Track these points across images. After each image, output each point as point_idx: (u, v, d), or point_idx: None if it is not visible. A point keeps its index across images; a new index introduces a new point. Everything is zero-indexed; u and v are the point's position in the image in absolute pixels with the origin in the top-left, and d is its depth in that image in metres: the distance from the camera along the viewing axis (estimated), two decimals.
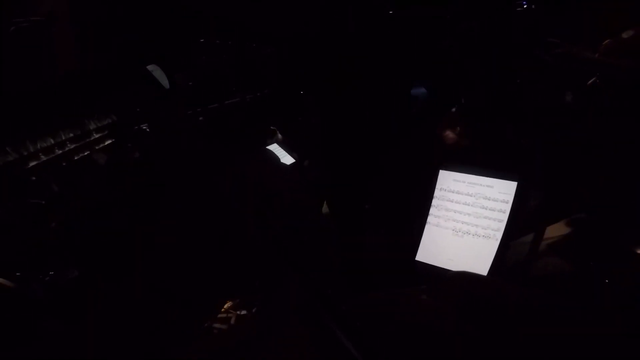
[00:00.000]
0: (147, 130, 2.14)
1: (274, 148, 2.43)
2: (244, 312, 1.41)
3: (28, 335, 1.34)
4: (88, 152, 2.11)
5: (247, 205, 1.12)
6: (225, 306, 1.43)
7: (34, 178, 1.92)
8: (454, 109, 2.12)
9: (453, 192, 1.57)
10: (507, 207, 1.45)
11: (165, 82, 1.75)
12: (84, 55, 1.97)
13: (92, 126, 2.15)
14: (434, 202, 1.58)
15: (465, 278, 0.96)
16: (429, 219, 1.57)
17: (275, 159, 1.49)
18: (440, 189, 1.59)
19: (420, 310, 0.85)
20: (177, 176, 1.44)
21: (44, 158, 2.01)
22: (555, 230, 1.79)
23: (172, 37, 1.93)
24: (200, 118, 1.74)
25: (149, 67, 1.74)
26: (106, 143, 2.14)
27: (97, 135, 2.15)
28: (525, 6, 1.89)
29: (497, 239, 1.43)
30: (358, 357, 0.74)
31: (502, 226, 1.43)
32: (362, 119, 2.01)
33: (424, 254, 1.55)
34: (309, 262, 0.94)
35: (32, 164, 1.95)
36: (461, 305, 0.80)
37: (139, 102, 1.94)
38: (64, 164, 2.05)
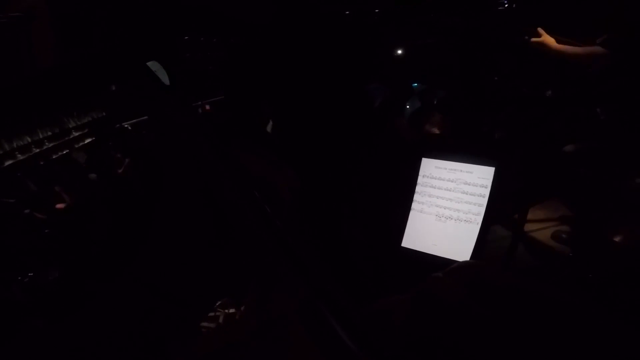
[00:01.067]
0: (129, 128, 2.10)
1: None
2: (232, 310, 1.39)
3: (8, 335, 1.30)
4: (67, 150, 2.06)
5: (248, 200, 1.11)
6: (215, 305, 1.42)
7: (10, 177, 1.87)
8: (435, 102, 2.17)
9: (435, 178, 1.60)
10: (486, 192, 1.50)
11: (165, 78, 1.72)
12: (63, 52, 1.92)
13: (72, 124, 2.09)
14: (418, 188, 1.61)
15: (474, 266, 0.97)
16: (413, 205, 1.60)
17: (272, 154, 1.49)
18: (423, 176, 1.62)
19: (430, 287, 0.84)
20: (176, 172, 1.42)
21: (20, 157, 1.95)
22: (538, 221, 1.86)
23: (156, 33, 1.90)
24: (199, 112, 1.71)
25: (149, 64, 1.71)
26: (86, 142, 2.09)
27: (76, 134, 2.10)
28: (506, 5, 1.95)
29: (477, 223, 1.47)
30: (358, 354, 0.74)
31: (482, 210, 1.48)
32: (324, 119, 2.00)
33: (409, 240, 1.58)
34: (310, 258, 0.93)
35: (8, 162, 1.89)
36: (471, 288, 0.80)
37: (129, 98, 1.90)
38: (41, 162, 1.99)
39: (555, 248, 1.78)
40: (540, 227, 1.90)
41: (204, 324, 1.30)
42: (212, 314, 1.32)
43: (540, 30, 1.81)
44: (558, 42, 1.80)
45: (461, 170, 1.58)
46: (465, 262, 1.04)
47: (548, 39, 1.79)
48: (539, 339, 0.71)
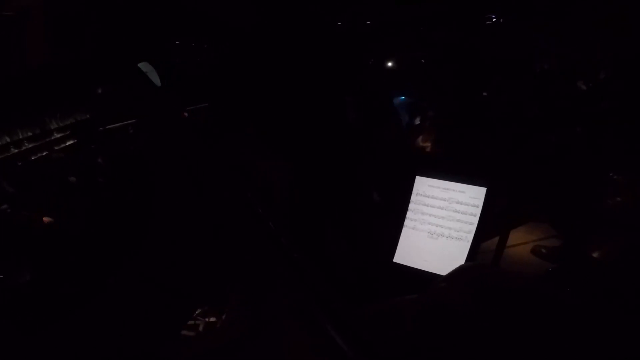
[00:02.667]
0: (113, 131, 2.14)
1: None
2: (212, 319, 1.40)
3: None
4: (47, 152, 2.07)
5: (240, 199, 1.15)
6: (194, 313, 1.42)
7: None
8: (425, 118, 2.30)
9: (428, 196, 1.68)
10: (478, 211, 1.58)
11: (156, 80, 1.79)
12: (55, 52, 1.98)
13: (54, 125, 2.12)
14: (411, 206, 1.68)
15: (477, 268, 1.02)
16: (406, 222, 1.66)
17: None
18: (417, 194, 1.69)
19: (435, 294, 0.89)
20: (167, 173, 1.45)
21: None
22: (518, 237, 1.96)
23: (149, 37, 1.98)
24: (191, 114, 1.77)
25: (141, 65, 1.78)
26: (68, 143, 2.11)
27: (58, 135, 2.12)
28: (494, 20, 2.11)
29: (468, 241, 1.54)
30: (351, 354, 0.77)
31: (473, 229, 1.55)
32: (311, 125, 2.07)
33: (401, 256, 1.63)
34: (304, 259, 0.97)
35: None
36: (475, 291, 0.85)
37: (109, 99, 1.95)
38: (19, 163, 1.99)
39: (535, 263, 1.88)
40: (521, 241, 2.01)
41: (184, 332, 1.30)
42: (192, 322, 1.32)
43: None
44: None
45: (454, 190, 1.66)
46: (468, 265, 1.08)
47: None
48: (547, 340, 0.74)
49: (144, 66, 1.70)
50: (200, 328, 1.34)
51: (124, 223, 1.68)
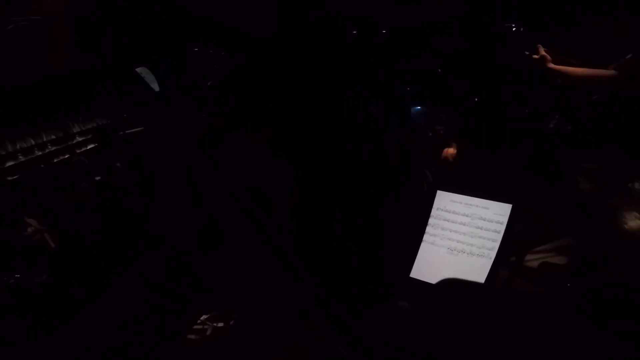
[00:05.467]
0: (133, 136, 2.31)
1: None
2: (220, 324, 1.50)
3: None
4: (69, 155, 2.26)
5: (239, 204, 1.26)
6: (202, 318, 1.53)
7: (9, 178, 2.05)
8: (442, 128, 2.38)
9: (450, 212, 1.74)
10: (502, 228, 1.62)
11: (155, 85, 1.94)
12: (77, 56, 2.17)
13: (76, 129, 2.32)
14: (431, 220, 1.74)
15: (453, 283, 1.12)
16: (425, 237, 1.72)
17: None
18: (437, 209, 1.76)
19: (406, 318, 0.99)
20: (167, 177, 1.59)
21: (22, 159, 2.15)
22: (534, 254, 1.98)
23: (166, 43, 2.16)
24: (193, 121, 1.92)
25: (139, 70, 1.94)
26: (89, 147, 2.30)
27: (80, 139, 2.32)
28: (514, 29, 2.17)
29: (490, 258, 1.58)
30: (350, 357, 0.85)
31: (496, 246, 1.59)
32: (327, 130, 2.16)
33: (418, 271, 1.68)
34: (302, 263, 1.07)
35: (9, 164, 2.09)
36: (449, 307, 0.94)
37: (129, 105, 2.11)
38: (42, 165, 2.19)
39: (548, 278, 1.88)
40: (535, 257, 2.01)
41: (191, 336, 1.40)
42: (199, 326, 1.42)
43: (539, 47, 1.95)
44: (560, 61, 1.92)
45: (477, 206, 1.72)
46: (444, 282, 1.17)
47: (546, 57, 1.92)
48: (515, 347, 0.81)
49: (142, 71, 1.84)
50: (208, 333, 1.44)
51: (132, 226, 1.81)
